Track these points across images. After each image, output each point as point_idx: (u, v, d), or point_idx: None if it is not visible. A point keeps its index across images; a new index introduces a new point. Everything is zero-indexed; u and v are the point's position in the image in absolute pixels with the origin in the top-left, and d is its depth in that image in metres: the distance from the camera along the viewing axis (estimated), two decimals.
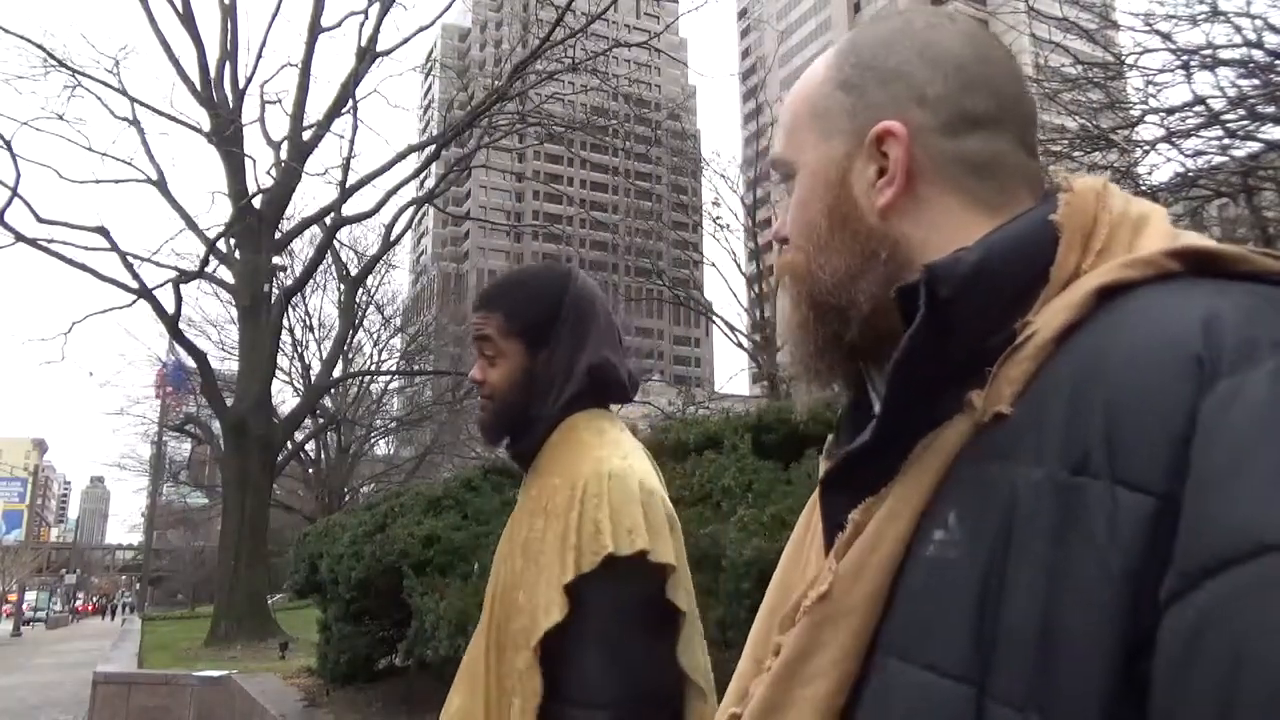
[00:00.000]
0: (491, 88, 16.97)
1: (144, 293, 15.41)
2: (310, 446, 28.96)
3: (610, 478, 1.32)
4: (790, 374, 0.73)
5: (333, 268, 21.72)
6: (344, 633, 6.41)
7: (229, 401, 16.00)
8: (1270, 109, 5.68)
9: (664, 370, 76.87)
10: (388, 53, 16.81)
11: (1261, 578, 0.41)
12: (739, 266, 20.87)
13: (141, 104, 16.45)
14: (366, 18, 16.39)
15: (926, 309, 0.56)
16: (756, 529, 2.96)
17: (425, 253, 79.19)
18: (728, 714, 0.67)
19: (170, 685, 9.19)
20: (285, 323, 20.79)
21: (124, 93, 16.27)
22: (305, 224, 17.75)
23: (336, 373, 22.84)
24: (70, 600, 66.85)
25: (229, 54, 16.18)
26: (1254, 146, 6.04)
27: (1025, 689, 0.48)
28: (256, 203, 15.82)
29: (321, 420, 26.12)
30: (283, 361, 24.86)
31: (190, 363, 18.00)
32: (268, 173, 16.24)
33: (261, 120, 16.56)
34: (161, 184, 16.39)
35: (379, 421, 32.29)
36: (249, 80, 16.30)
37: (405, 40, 26.32)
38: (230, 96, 16.12)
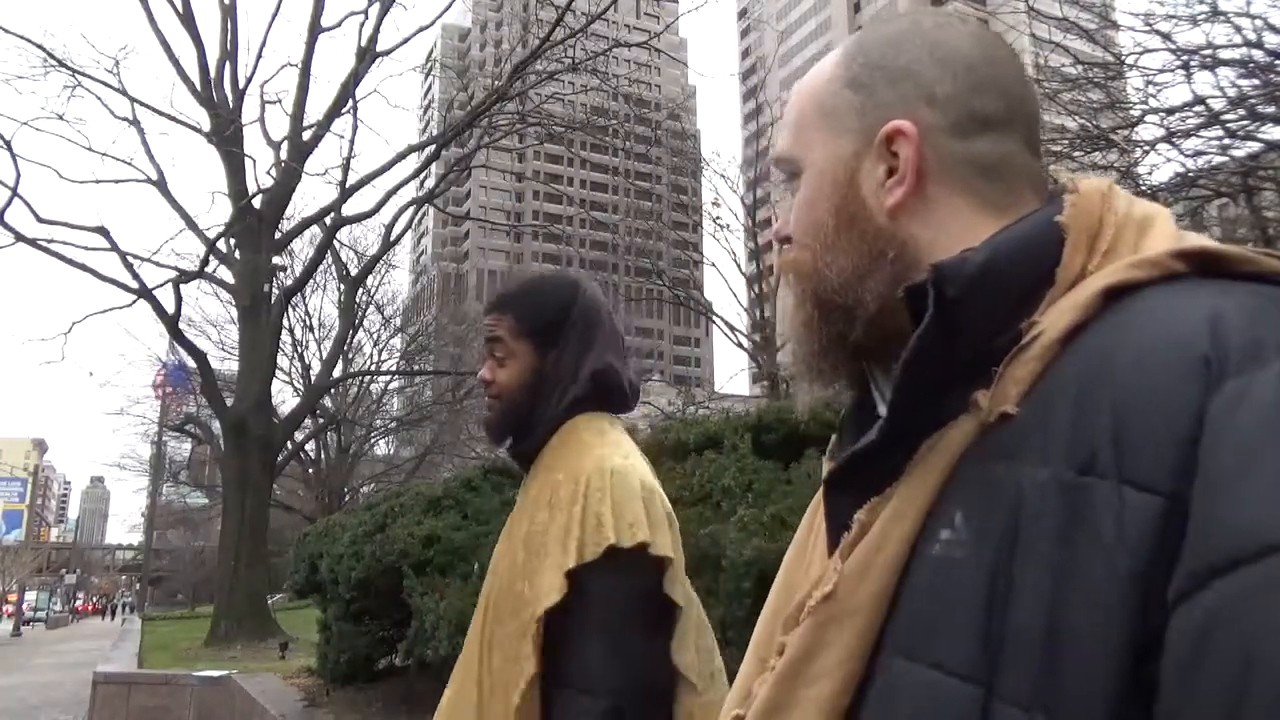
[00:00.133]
0: (491, 88, 16.97)
1: (144, 293, 15.41)
2: (310, 446, 28.96)
3: (613, 474, 1.38)
4: (792, 373, 0.72)
5: (333, 268, 21.72)
6: (344, 633, 6.40)
7: (229, 401, 16.00)
8: (1270, 109, 5.68)
9: (664, 370, 76.89)
10: (388, 53, 16.82)
11: (1269, 578, 0.41)
12: (739, 266, 20.91)
13: (141, 104, 16.48)
14: (366, 18, 16.42)
15: (934, 309, 0.56)
16: (756, 529, 2.96)
17: (425, 253, 79.23)
18: (731, 714, 0.67)
19: (170, 685, 9.19)
20: (285, 323, 20.80)
21: (124, 93, 16.28)
22: (305, 224, 17.74)
23: (336, 373, 22.84)
24: (70, 600, 66.87)
25: (229, 54, 16.17)
26: (1254, 146, 6.04)
27: (1032, 689, 0.48)
28: (256, 203, 15.81)
29: (321, 420, 26.11)
30: (283, 361, 24.89)
31: (190, 363, 17.99)
32: (268, 173, 16.27)
33: (261, 120, 16.58)
34: (161, 184, 16.39)
35: (379, 421, 32.29)
36: (249, 80, 16.33)
37: (405, 40, 26.31)
38: (230, 96, 16.11)
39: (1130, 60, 6.52)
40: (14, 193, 14.74)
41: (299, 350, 28.48)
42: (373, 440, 33.31)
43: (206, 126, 16.09)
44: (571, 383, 1.47)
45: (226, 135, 15.50)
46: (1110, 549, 0.46)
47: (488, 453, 11.26)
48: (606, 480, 1.37)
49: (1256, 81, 5.74)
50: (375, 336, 29.77)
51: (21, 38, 15.45)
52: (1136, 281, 0.54)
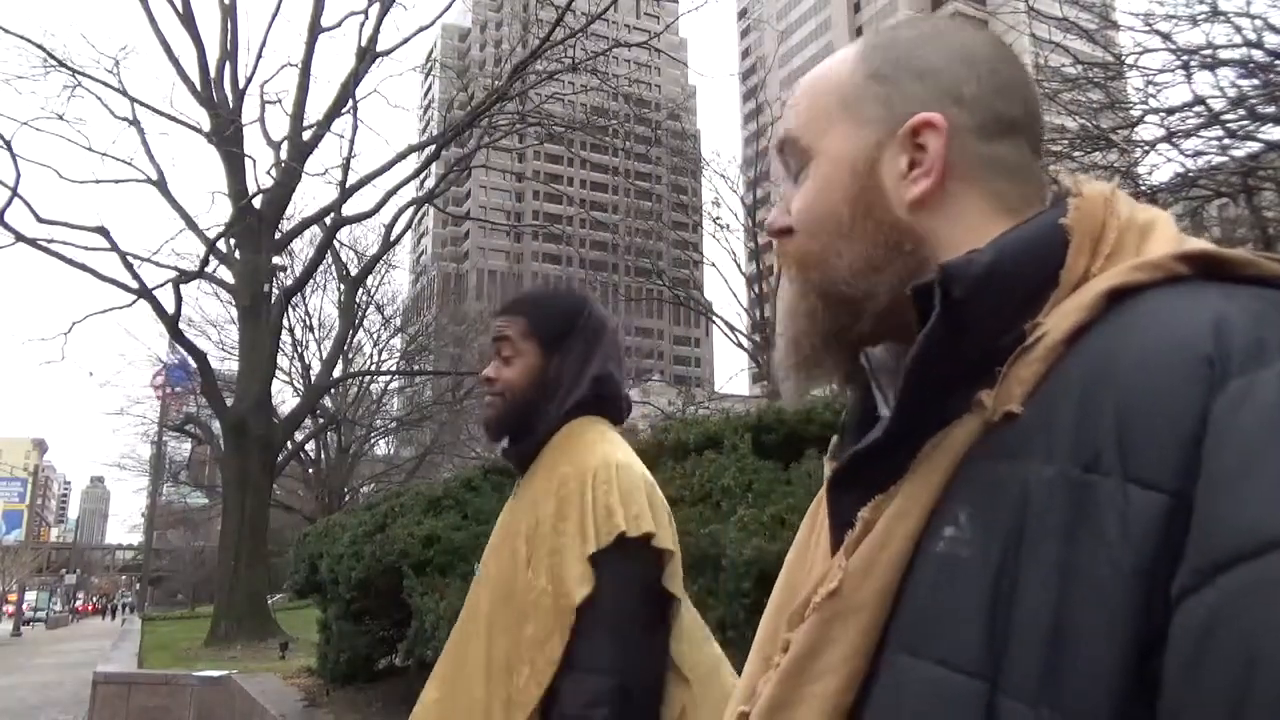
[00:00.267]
0: (491, 88, 16.97)
1: (144, 293, 15.39)
2: (310, 446, 28.95)
3: (618, 468, 1.44)
4: (786, 365, 0.70)
5: (333, 268, 21.73)
6: (344, 633, 6.40)
7: (229, 401, 15.98)
8: (1270, 109, 5.69)
9: (664, 370, 76.82)
10: (388, 53, 16.81)
11: (1271, 575, 0.41)
12: (739, 266, 20.94)
13: (141, 104, 16.46)
14: (366, 18, 16.40)
15: (941, 308, 0.56)
16: (756, 529, 2.96)
17: (425, 253, 79.15)
18: (736, 712, 0.67)
19: (170, 685, 9.18)
20: (285, 323, 20.78)
21: (124, 93, 16.26)
22: (305, 224, 17.73)
23: (336, 373, 22.82)
24: (70, 600, 66.86)
25: (229, 54, 16.16)
26: (1254, 146, 6.05)
27: (1037, 684, 0.48)
28: (256, 203, 15.79)
29: (321, 420, 26.10)
30: (283, 361, 24.86)
31: (190, 363, 17.98)
32: (268, 173, 16.24)
33: (261, 120, 16.56)
34: (161, 184, 16.37)
35: (379, 421, 32.29)
36: (249, 80, 16.31)
37: (405, 40, 26.27)
38: (230, 96, 16.09)
39: (1130, 60, 6.53)
40: (14, 193, 14.73)
41: (299, 350, 28.51)
42: (373, 440, 33.32)
43: (206, 126, 16.08)
44: (574, 385, 1.53)
45: (226, 135, 15.49)
46: (1115, 546, 0.46)
47: (488, 453, 11.27)
48: (612, 473, 1.43)
49: (1256, 81, 5.75)
50: (375, 336, 29.81)
51: (21, 38, 15.46)
52: (1139, 284, 0.55)
